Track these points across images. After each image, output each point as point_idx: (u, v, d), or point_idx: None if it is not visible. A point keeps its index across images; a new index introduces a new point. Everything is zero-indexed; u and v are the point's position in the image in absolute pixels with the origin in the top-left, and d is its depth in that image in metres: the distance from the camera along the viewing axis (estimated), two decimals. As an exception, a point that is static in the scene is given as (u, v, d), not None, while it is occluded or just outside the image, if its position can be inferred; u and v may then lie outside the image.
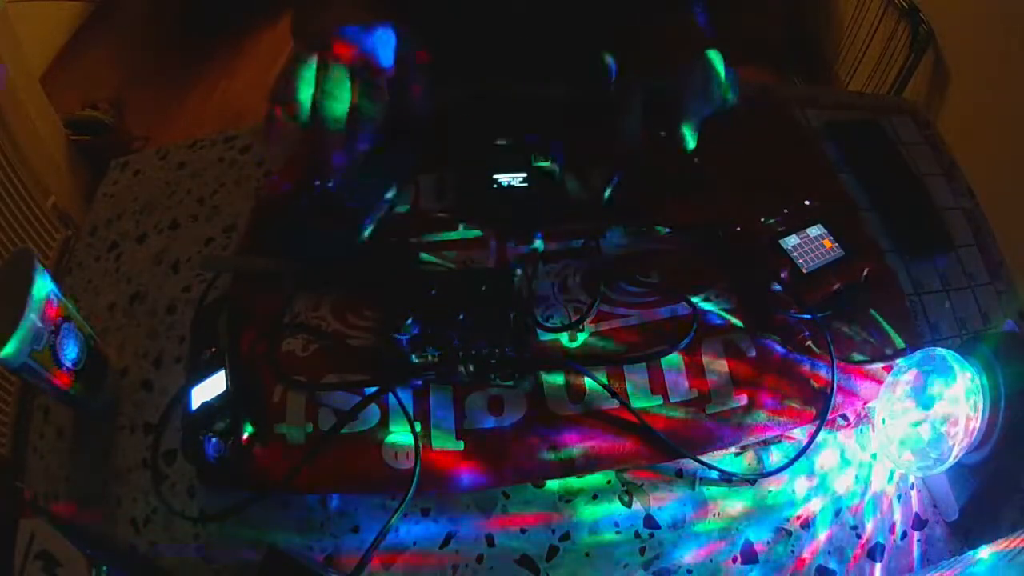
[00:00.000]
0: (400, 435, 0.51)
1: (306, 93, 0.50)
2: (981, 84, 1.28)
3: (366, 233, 0.60)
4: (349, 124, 0.51)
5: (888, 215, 0.65)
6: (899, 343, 0.57)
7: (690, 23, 0.58)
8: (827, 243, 0.58)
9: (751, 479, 0.52)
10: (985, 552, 0.45)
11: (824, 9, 1.81)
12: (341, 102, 0.50)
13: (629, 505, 0.51)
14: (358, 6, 0.54)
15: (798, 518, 0.51)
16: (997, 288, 0.63)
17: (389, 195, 0.63)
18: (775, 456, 0.53)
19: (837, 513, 0.51)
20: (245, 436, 0.50)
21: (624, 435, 0.52)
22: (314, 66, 0.50)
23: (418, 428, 0.51)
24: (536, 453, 0.51)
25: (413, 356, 0.52)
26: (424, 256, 0.60)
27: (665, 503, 0.51)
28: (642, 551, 0.50)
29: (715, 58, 0.53)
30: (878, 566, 0.50)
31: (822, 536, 0.51)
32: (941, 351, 0.50)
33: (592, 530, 0.50)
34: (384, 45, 0.53)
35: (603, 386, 0.53)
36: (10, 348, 0.47)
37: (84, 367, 0.53)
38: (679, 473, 0.52)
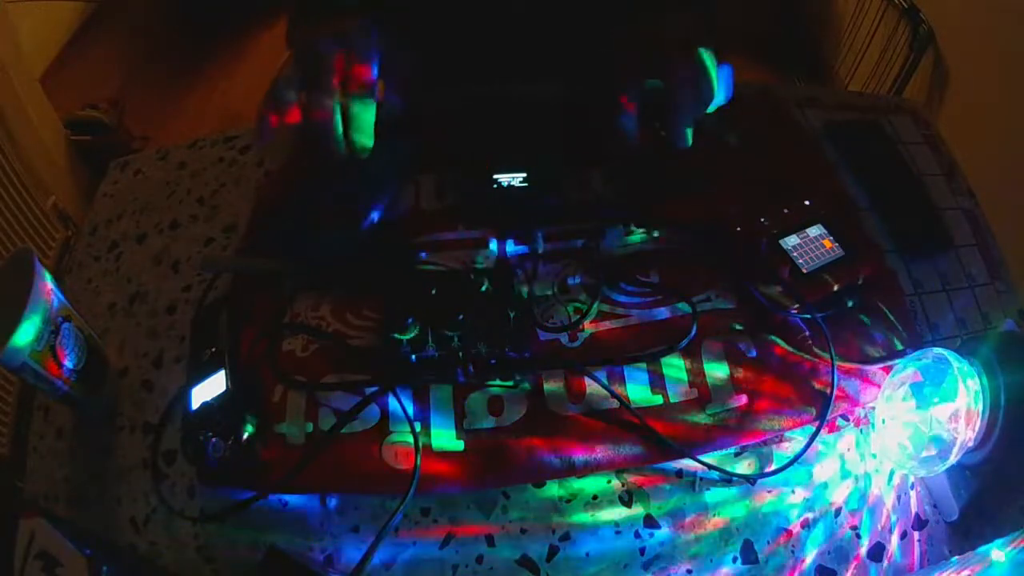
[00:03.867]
0: (400, 435, 0.51)
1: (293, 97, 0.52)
2: (981, 84, 1.28)
3: (366, 233, 0.60)
4: (346, 129, 0.52)
5: (888, 215, 0.65)
6: (899, 343, 0.57)
7: (681, 21, 0.58)
8: (827, 243, 0.58)
9: (751, 479, 0.52)
10: (1000, 554, 0.44)
11: (824, 9, 1.81)
12: (327, 105, 0.51)
13: (629, 505, 0.51)
14: (348, 15, 0.55)
15: (798, 518, 0.51)
16: (997, 288, 0.63)
17: (389, 195, 0.63)
18: (775, 456, 0.53)
19: (837, 513, 0.51)
20: (245, 436, 0.50)
21: (624, 435, 0.52)
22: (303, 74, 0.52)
23: (418, 428, 0.51)
24: (536, 453, 0.51)
25: (413, 356, 0.52)
26: (424, 256, 0.60)
27: (665, 504, 0.51)
28: (642, 551, 0.50)
29: (706, 56, 0.53)
30: (878, 566, 0.50)
31: (822, 536, 0.51)
32: (941, 351, 0.50)
33: (592, 530, 0.50)
34: (370, 49, 0.54)
35: (603, 386, 0.53)
36: (10, 346, 0.47)
37: (84, 367, 0.53)
38: (679, 474, 0.52)
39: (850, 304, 0.57)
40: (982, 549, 0.46)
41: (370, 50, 0.53)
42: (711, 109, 0.55)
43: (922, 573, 0.50)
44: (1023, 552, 0.43)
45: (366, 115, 0.52)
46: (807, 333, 0.56)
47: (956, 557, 0.49)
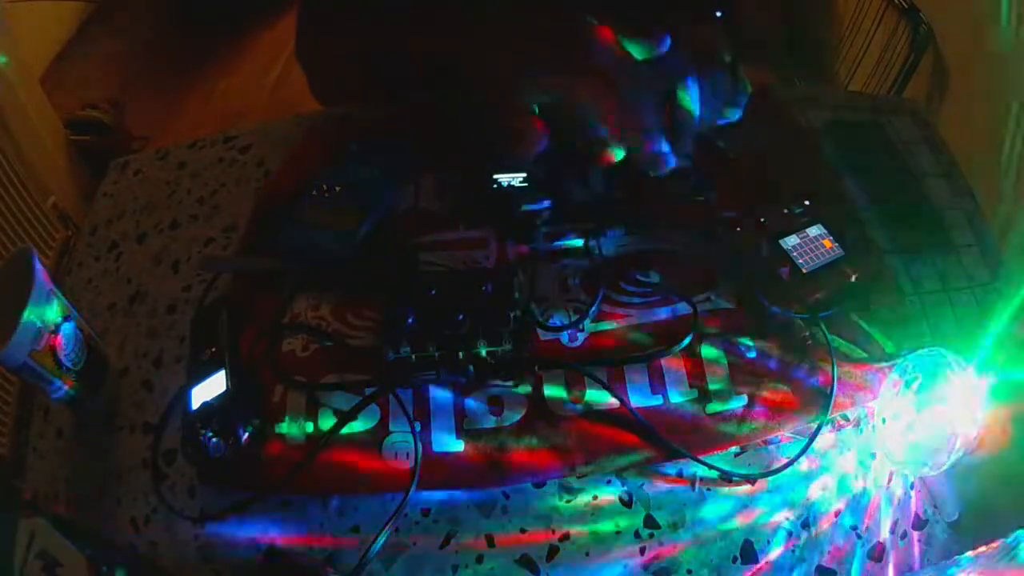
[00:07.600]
0: (400, 435, 0.51)
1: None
2: (981, 84, 1.28)
3: (366, 233, 0.60)
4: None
5: (888, 215, 0.65)
6: (898, 344, 0.57)
7: (696, 33, 0.56)
8: (827, 243, 0.58)
9: (751, 479, 0.52)
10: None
11: (824, 9, 1.81)
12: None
13: (629, 505, 0.51)
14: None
15: (798, 519, 0.51)
16: (997, 288, 0.63)
17: (389, 195, 0.63)
18: (775, 456, 0.53)
19: (837, 513, 0.51)
20: (245, 436, 0.50)
21: (624, 435, 0.51)
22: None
23: (418, 428, 0.51)
24: (536, 454, 0.51)
25: (413, 356, 0.52)
26: (424, 256, 0.60)
27: (665, 503, 0.51)
28: (642, 551, 0.50)
29: (723, 72, 0.52)
30: (878, 566, 0.50)
31: (822, 537, 0.51)
32: (940, 351, 0.50)
33: (592, 530, 0.50)
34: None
35: (603, 386, 0.53)
36: (10, 346, 0.47)
37: (84, 367, 0.53)
38: (679, 473, 0.52)
39: (849, 304, 0.57)
40: (1010, 540, 0.45)
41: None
42: (721, 123, 0.54)
43: (932, 570, 0.50)
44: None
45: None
46: (807, 333, 0.56)
47: (969, 554, 0.48)
